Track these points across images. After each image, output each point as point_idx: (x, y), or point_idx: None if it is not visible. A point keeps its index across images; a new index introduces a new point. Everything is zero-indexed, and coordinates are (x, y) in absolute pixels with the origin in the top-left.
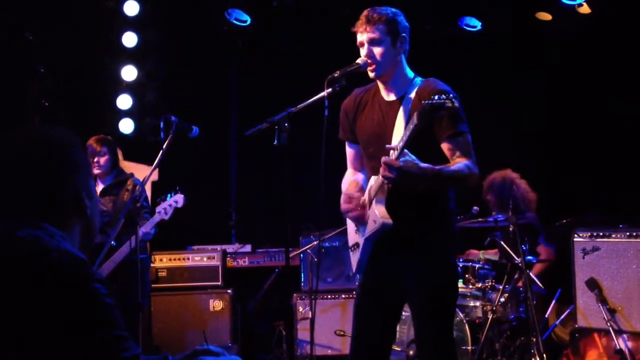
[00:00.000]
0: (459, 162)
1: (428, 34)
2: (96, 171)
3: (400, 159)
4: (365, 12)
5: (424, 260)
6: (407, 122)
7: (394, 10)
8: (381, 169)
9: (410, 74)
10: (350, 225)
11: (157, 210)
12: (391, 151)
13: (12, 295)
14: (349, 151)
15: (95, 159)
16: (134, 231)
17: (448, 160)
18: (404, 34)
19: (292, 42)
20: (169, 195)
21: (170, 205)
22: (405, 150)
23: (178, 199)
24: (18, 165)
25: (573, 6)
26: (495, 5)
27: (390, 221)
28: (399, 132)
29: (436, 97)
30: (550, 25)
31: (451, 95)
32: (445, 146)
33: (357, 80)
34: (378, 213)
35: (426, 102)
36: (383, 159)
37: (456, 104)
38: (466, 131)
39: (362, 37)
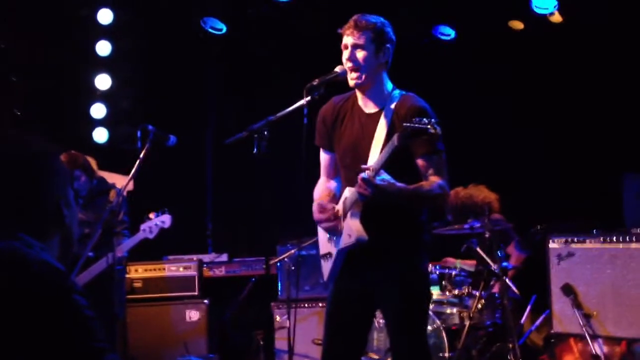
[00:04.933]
0: (432, 182)
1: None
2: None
3: (377, 178)
4: (355, 17)
5: (394, 270)
6: (385, 137)
7: (383, 20)
8: (357, 186)
9: (389, 86)
10: (322, 234)
11: (141, 228)
12: (367, 170)
13: None
14: (324, 157)
15: (75, 185)
16: (112, 244)
17: (421, 176)
18: (388, 46)
19: (269, 51)
20: (155, 214)
21: (156, 225)
22: (382, 170)
23: (165, 220)
24: None
25: (545, 15)
26: (468, 14)
27: (365, 237)
28: (377, 145)
29: (418, 121)
30: (523, 34)
31: (433, 120)
32: (420, 162)
33: (336, 88)
34: (353, 228)
35: (409, 125)
36: (360, 175)
37: (438, 131)
38: (442, 150)
39: (347, 39)
